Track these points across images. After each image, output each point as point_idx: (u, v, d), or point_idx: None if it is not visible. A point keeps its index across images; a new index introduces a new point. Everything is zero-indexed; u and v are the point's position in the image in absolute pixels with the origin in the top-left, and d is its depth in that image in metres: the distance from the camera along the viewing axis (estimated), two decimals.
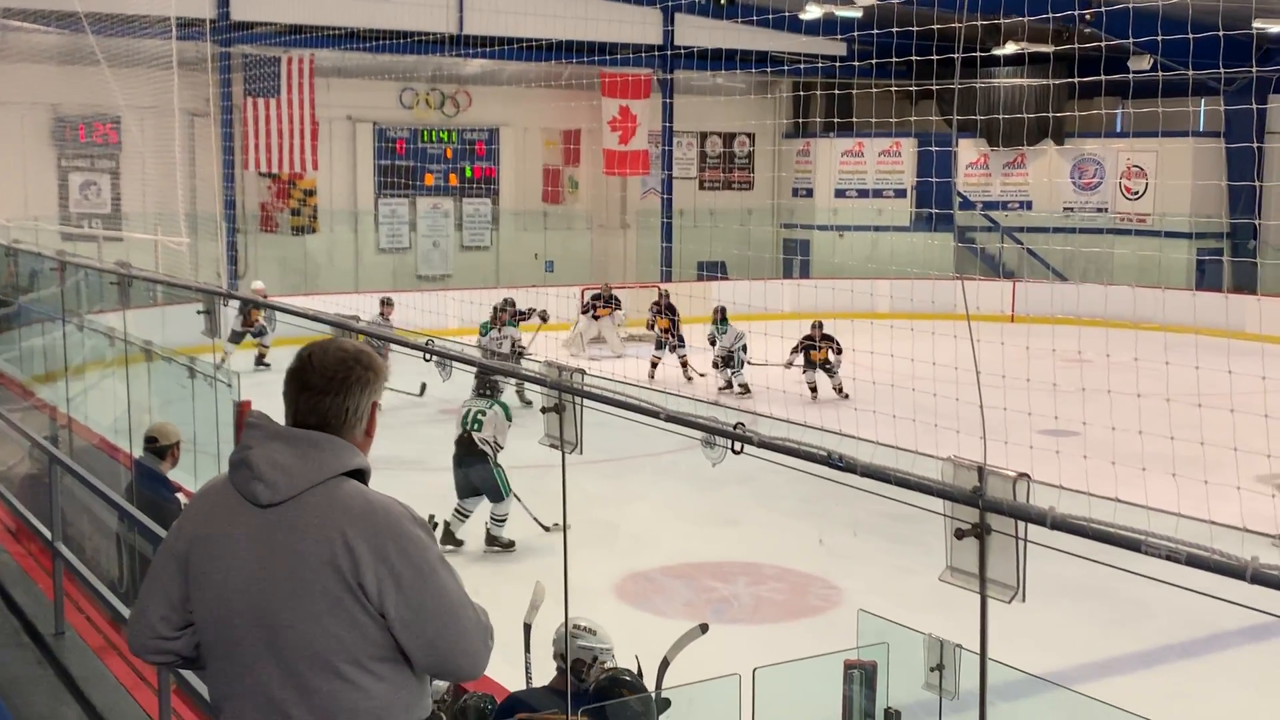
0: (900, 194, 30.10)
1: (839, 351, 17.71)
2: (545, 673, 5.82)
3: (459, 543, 10.75)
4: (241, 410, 6.95)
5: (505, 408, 10.98)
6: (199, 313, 6.29)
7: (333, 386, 2.50)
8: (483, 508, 10.97)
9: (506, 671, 6.10)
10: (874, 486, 3.07)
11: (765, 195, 31.20)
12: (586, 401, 3.47)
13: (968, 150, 29.74)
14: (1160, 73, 20.81)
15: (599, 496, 12.05)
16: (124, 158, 22.98)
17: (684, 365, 19.69)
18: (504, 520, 10.84)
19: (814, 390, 17.66)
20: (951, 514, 2.71)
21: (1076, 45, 22.65)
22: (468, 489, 10.89)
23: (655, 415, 3.26)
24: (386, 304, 18.55)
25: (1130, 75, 22.32)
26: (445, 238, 28.02)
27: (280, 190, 25.83)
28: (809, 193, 30.83)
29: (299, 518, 2.39)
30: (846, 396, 17.25)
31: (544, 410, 3.58)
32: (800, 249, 29.81)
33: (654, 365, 19.47)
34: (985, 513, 2.63)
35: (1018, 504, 2.58)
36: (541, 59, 24.75)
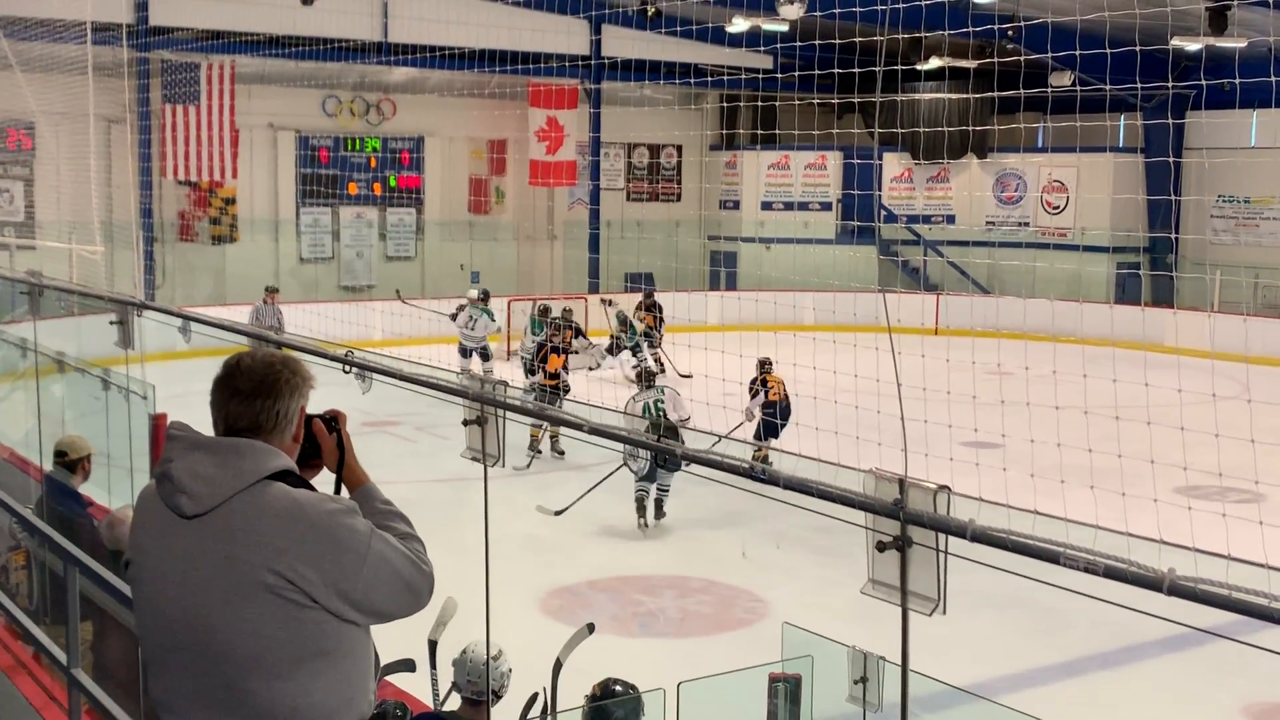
0: (826, 207, 30.38)
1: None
2: (451, 694, 5.72)
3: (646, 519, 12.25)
4: (158, 423, 6.84)
5: (675, 390, 13.24)
6: (112, 323, 6.17)
7: (262, 390, 2.54)
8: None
9: (413, 683, 6.04)
10: (798, 499, 3.08)
11: (692, 207, 31.35)
12: (509, 414, 3.45)
13: (892, 164, 30.12)
14: (1080, 88, 21.25)
15: (525, 510, 12.00)
16: (38, 164, 22.52)
17: (657, 361, 20.27)
18: (669, 490, 12.30)
19: (765, 459, 15.81)
20: (873, 526, 2.73)
21: (998, 60, 23.04)
22: (655, 471, 12.01)
23: (579, 428, 3.25)
24: (271, 291, 19.66)
25: (1051, 91, 22.75)
26: (369, 247, 27.80)
27: (199, 199, 25.46)
28: (736, 205, 31.01)
29: (226, 525, 2.41)
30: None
31: (465, 423, 3.55)
32: (727, 261, 29.97)
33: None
34: (906, 525, 2.65)
35: (938, 516, 2.61)
36: (468, 68, 24.67)
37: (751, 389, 14.51)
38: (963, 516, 2.59)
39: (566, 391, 15.50)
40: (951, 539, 2.64)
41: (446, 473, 12.84)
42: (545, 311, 18.74)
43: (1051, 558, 2.47)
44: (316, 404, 2.67)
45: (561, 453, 15.19)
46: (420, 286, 27.48)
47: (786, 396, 14.16)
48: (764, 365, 14.68)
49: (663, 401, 12.94)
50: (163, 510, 2.47)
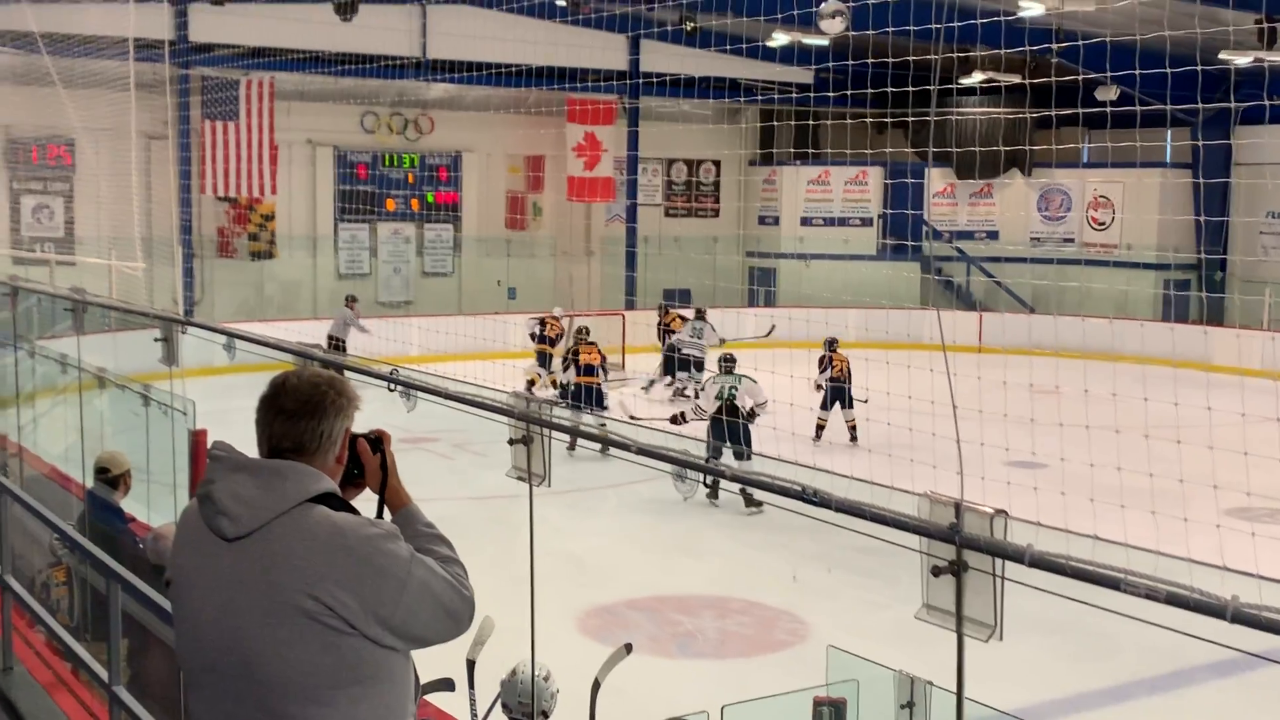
0: (867, 222, 30.29)
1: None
2: (492, 713, 5.71)
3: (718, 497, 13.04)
4: (198, 439, 6.88)
5: (751, 379, 13.54)
6: (156, 340, 6.21)
7: (306, 410, 2.55)
8: None
9: (451, 702, 6.02)
10: (846, 521, 3.06)
11: (731, 223, 31.33)
12: (555, 434, 3.45)
13: (935, 180, 30.00)
14: (1132, 105, 21.08)
15: (562, 528, 11.98)
16: (78, 180, 22.80)
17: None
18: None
19: (820, 430, 16.62)
20: (927, 550, 2.70)
21: (1044, 77, 22.93)
22: (716, 450, 12.59)
23: (626, 448, 3.24)
24: (352, 300, 20.93)
25: (1096, 107, 22.60)
26: (406, 263, 27.95)
27: (238, 215, 25.68)
28: (775, 221, 30.97)
29: (267, 548, 2.41)
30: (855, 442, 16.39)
31: (511, 442, 3.55)
32: (766, 278, 29.92)
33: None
34: (962, 549, 2.63)
35: (995, 541, 2.57)
36: (506, 84, 24.78)
37: (821, 364, 16.87)
38: (1020, 541, 2.56)
39: (600, 401, 16.19)
40: (1008, 563, 2.61)
41: (483, 490, 12.85)
42: (584, 332, 18.89)
43: (1112, 584, 2.43)
44: (362, 421, 2.68)
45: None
46: (457, 303, 27.60)
47: (850, 373, 16.53)
48: (831, 343, 17.18)
49: (737, 387, 13.61)
50: (204, 531, 2.48)
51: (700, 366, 19.90)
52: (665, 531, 12.29)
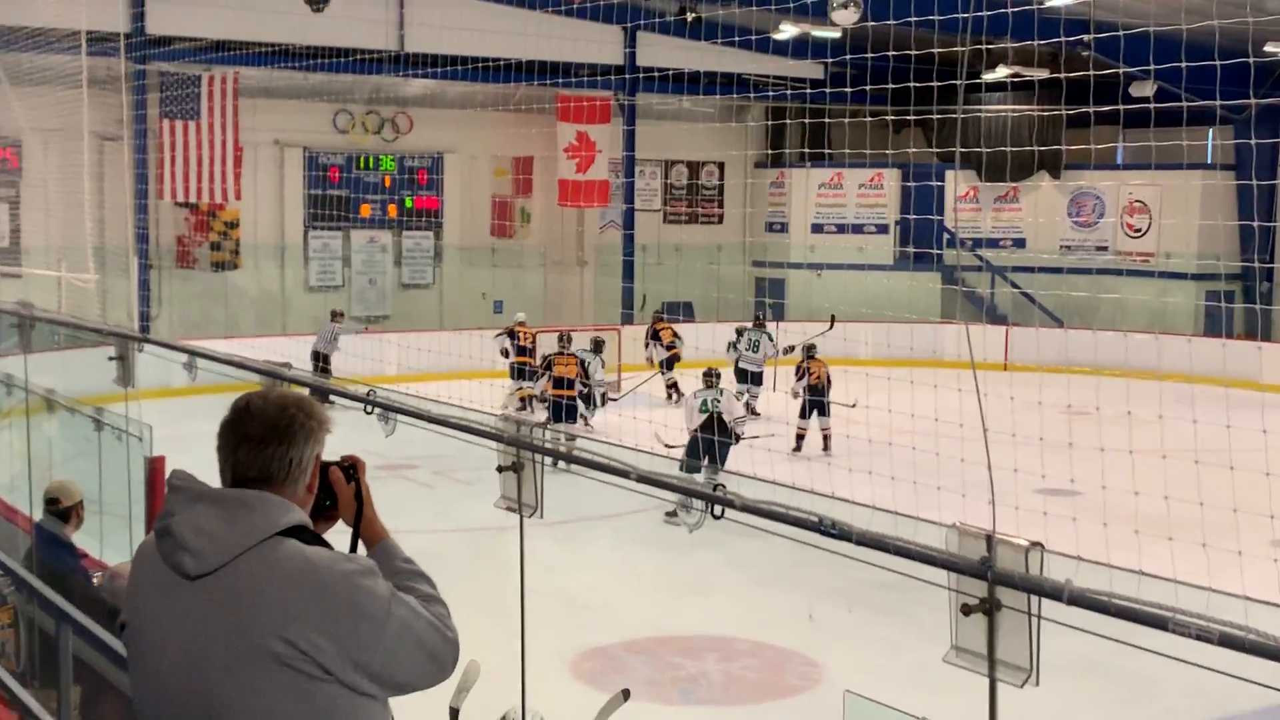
0: (882, 229, 30.33)
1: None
2: None
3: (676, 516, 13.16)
4: (155, 467, 6.85)
5: (733, 393, 14.76)
6: (110, 359, 6.20)
7: (275, 435, 2.52)
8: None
9: None
10: (865, 554, 3.04)
11: (735, 230, 31.38)
12: (547, 459, 3.43)
13: (957, 183, 30.05)
14: (1172, 101, 21.14)
15: (552, 563, 11.95)
16: (25, 185, 22.77)
17: (672, 387, 21.93)
18: None
19: (800, 440, 18.02)
20: (957, 587, 2.69)
21: (1076, 71, 22.97)
22: (694, 467, 13.44)
23: (625, 475, 3.23)
24: (338, 314, 21.51)
25: (1135, 104, 22.64)
26: (383, 274, 27.95)
27: (199, 222, 25.69)
28: (783, 228, 31.02)
29: (233, 587, 2.39)
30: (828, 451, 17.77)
31: (500, 469, 3.53)
32: (774, 289, 29.95)
33: (671, 387, 21.95)
34: (995, 586, 2.61)
35: (1031, 576, 2.56)
36: (491, 80, 24.85)
37: (798, 372, 18.31)
38: (1058, 576, 2.55)
39: (571, 414, 16.89)
40: (1045, 601, 2.60)
41: (468, 521, 12.81)
42: (565, 340, 19.09)
43: (1160, 624, 2.42)
44: (332, 447, 2.66)
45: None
46: (439, 317, 27.59)
47: (829, 380, 17.96)
48: (809, 350, 18.63)
49: (719, 400, 14.58)
50: (163, 569, 2.45)
51: (759, 380, 20.85)
52: (666, 566, 12.26)
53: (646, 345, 23.10)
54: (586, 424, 19.19)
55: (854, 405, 17.57)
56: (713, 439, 13.93)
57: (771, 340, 21.08)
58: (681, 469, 13.36)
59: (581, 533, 13.52)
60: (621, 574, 12.38)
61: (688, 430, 14.69)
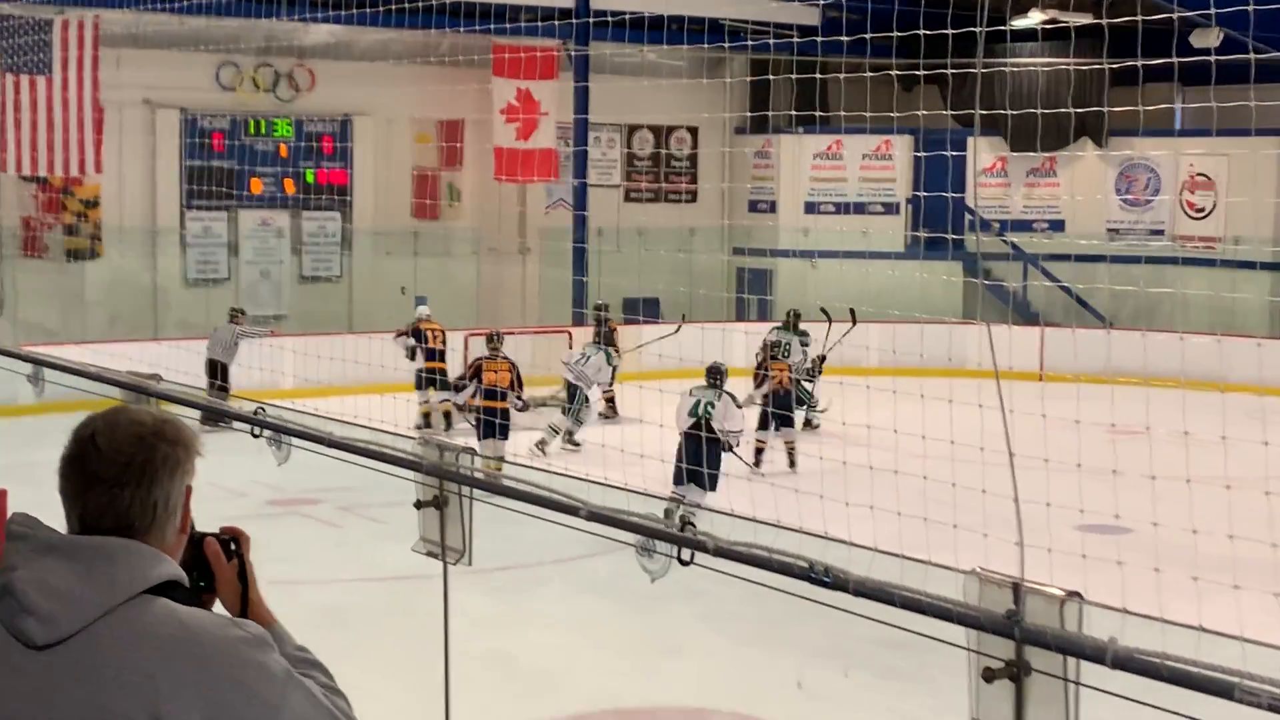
0: (890, 209, 30.49)
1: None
2: None
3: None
4: None
5: (733, 397, 15.51)
6: None
7: (131, 475, 2.48)
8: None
9: None
10: (866, 607, 3.05)
11: (713, 210, 31.44)
12: (477, 493, 3.43)
13: (981, 153, 30.22)
14: (1241, 54, 21.28)
15: (489, 619, 11.95)
16: None
17: (610, 402, 22.20)
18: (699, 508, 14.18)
19: (759, 455, 18.76)
20: (977, 647, 2.70)
21: (1125, 16, 23.15)
22: (684, 476, 14.49)
23: (574, 512, 3.23)
24: (238, 313, 21.80)
25: (1196, 57, 22.81)
26: (278, 264, 27.87)
27: (50, 201, 25.55)
28: (770, 207, 31.11)
29: (93, 659, 2.36)
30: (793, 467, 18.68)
31: (419, 505, 3.53)
32: (758, 283, 30.01)
33: (609, 402, 22.27)
34: (1023, 646, 2.62)
35: (1068, 634, 2.58)
36: (410, 25, 24.76)
37: (757, 378, 19.34)
38: (1100, 634, 2.57)
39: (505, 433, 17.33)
40: (1085, 663, 2.61)
41: (381, 569, 12.78)
42: (495, 341, 19.22)
43: (1224, 691, 2.44)
44: (213, 477, 2.65)
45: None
46: (347, 317, 27.52)
47: (790, 388, 18.97)
48: (772, 348, 19.71)
49: (715, 405, 15.36)
50: (3, 637, 2.42)
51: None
52: (630, 622, 12.28)
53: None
54: (571, 443, 19.75)
55: (825, 410, 18.71)
56: (699, 450, 14.57)
57: (802, 347, 21.45)
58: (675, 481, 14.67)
59: (525, 581, 13.53)
60: (574, 632, 12.39)
61: (679, 433, 15.34)
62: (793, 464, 18.68)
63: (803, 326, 21.98)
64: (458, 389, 19.01)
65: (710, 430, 15.06)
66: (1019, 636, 2.65)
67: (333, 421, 4.05)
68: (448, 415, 21.10)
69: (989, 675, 2.69)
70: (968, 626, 2.70)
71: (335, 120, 28.22)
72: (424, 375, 21.20)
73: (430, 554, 3.50)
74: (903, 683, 10.27)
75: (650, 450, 14.29)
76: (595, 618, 12.61)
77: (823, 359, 21.18)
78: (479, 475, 3.45)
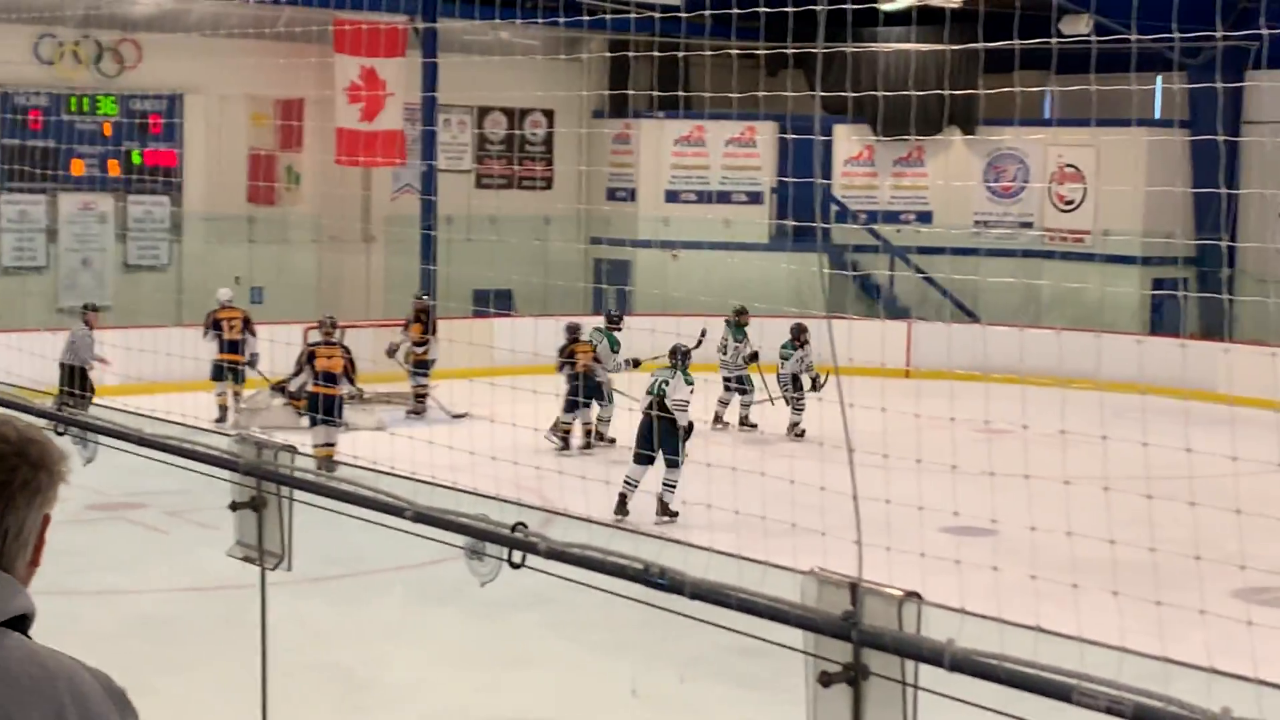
0: (755, 198, 30.68)
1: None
2: None
3: (627, 513, 15.85)
4: None
5: (688, 376, 16.63)
6: None
7: None
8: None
9: None
10: (712, 612, 3.08)
11: (568, 197, 31.40)
12: (298, 493, 3.41)
13: (845, 140, 30.51)
14: (1112, 41, 21.70)
15: (324, 631, 11.86)
16: None
17: (420, 399, 22.57)
18: (675, 486, 15.76)
19: (566, 436, 20.41)
20: (815, 650, 2.73)
21: (997, 2, 23.51)
22: (645, 457, 15.97)
23: (399, 513, 3.22)
24: (90, 309, 21.24)
25: (1068, 42, 23.24)
26: (101, 252, 27.40)
27: None
28: (630, 195, 31.17)
29: None
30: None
31: (234, 506, 3.50)
32: (618, 274, 30.04)
33: (420, 399, 22.48)
34: (861, 648, 2.66)
35: (905, 636, 2.61)
36: None
37: (561, 356, 20.45)
38: (939, 635, 2.61)
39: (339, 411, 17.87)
40: (923, 666, 2.66)
41: (210, 577, 12.60)
42: (329, 325, 19.23)
43: (1061, 694, 2.49)
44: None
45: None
46: (175, 309, 27.13)
47: (592, 372, 20.17)
48: (573, 330, 20.78)
49: (669, 383, 16.54)
50: None
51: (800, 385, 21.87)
52: (477, 632, 12.25)
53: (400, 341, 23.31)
54: (598, 438, 20.65)
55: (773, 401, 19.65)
56: (651, 428, 16.00)
57: (804, 358, 21.97)
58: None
59: (366, 589, 13.44)
60: (416, 642, 12.32)
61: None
62: (588, 444, 20.38)
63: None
64: (283, 389, 19.52)
65: (665, 409, 16.16)
66: (856, 639, 2.68)
67: (144, 418, 4.00)
68: (223, 407, 21.41)
69: (825, 679, 2.72)
70: (804, 629, 2.73)
71: (164, 97, 27.78)
72: (217, 366, 21.33)
73: (247, 559, 3.46)
74: (759, 692, 10.33)
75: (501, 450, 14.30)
76: (440, 627, 12.56)
77: (755, 354, 22.01)
78: (300, 475, 3.43)
